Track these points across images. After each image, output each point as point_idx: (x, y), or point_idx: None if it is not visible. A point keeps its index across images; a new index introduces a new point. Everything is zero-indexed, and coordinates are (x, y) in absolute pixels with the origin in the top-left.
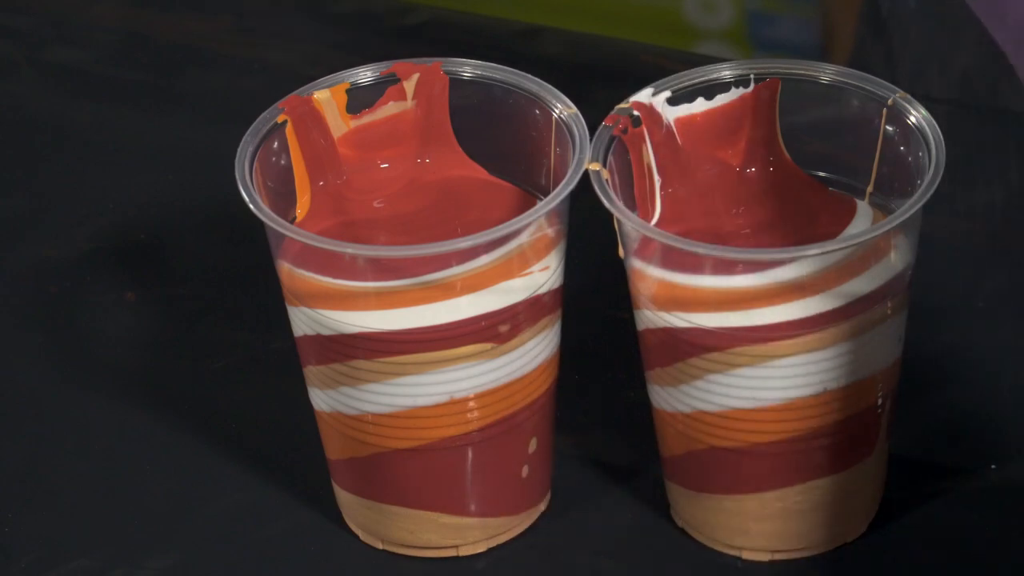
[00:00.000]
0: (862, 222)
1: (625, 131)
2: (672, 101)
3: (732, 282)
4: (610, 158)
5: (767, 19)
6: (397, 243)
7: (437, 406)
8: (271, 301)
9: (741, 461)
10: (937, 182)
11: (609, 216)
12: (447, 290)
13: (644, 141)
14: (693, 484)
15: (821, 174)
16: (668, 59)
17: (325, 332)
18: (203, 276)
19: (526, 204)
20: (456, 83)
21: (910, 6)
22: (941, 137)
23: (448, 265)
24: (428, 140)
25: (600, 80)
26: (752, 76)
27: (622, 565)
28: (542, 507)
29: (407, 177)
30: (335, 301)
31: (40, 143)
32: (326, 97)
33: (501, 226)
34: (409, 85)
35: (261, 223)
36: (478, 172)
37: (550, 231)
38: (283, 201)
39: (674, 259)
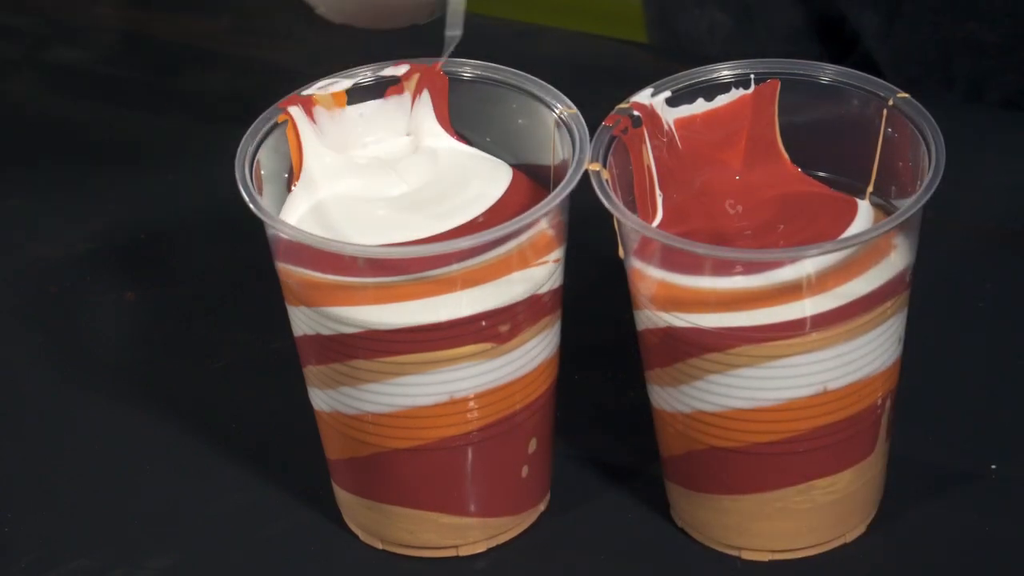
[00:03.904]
0: (862, 222)
1: (625, 131)
2: (672, 101)
3: (732, 283)
4: (610, 158)
5: None
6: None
7: (437, 406)
8: (271, 301)
9: (741, 461)
10: (937, 182)
11: (609, 216)
12: (447, 289)
13: (644, 141)
14: (693, 484)
15: (821, 174)
16: (668, 59)
17: (325, 332)
18: (203, 276)
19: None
20: (456, 83)
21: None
22: (941, 137)
23: (448, 263)
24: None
25: (600, 80)
26: (752, 76)
27: (622, 565)
28: (542, 507)
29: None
30: (334, 297)
31: (40, 143)
32: (326, 97)
33: (501, 226)
34: (409, 85)
35: (261, 223)
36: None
37: (550, 231)
38: (283, 200)
39: (674, 259)
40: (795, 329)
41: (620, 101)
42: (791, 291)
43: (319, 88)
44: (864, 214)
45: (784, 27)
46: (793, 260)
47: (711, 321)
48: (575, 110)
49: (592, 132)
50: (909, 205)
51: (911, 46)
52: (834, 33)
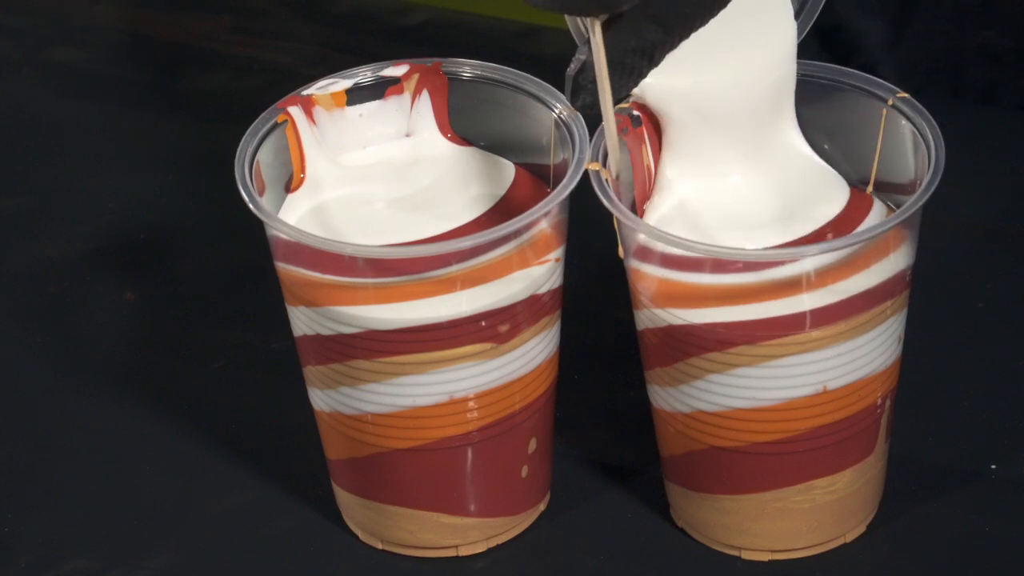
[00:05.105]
0: (876, 217)
1: (625, 131)
2: None
3: (732, 280)
4: None
5: None
6: None
7: (437, 406)
8: (271, 301)
9: (741, 461)
10: (937, 182)
11: (609, 216)
12: (446, 288)
13: (644, 141)
14: (693, 484)
15: None
16: None
17: (325, 332)
18: (203, 276)
19: None
20: (456, 83)
21: None
22: (941, 137)
23: (448, 264)
24: None
25: None
26: None
27: (622, 565)
28: (541, 507)
29: None
30: (334, 297)
31: (40, 143)
32: (326, 97)
33: (501, 226)
34: (409, 85)
35: (261, 223)
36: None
37: (550, 230)
38: (283, 200)
39: (674, 258)
40: (795, 326)
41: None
42: (791, 289)
43: (319, 88)
44: (878, 210)
45: None
46: (793, 260)
47: (711, 320)
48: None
49: (592, 132)
50: (909, 204)
51: (920, 55)
52: (832, 42)
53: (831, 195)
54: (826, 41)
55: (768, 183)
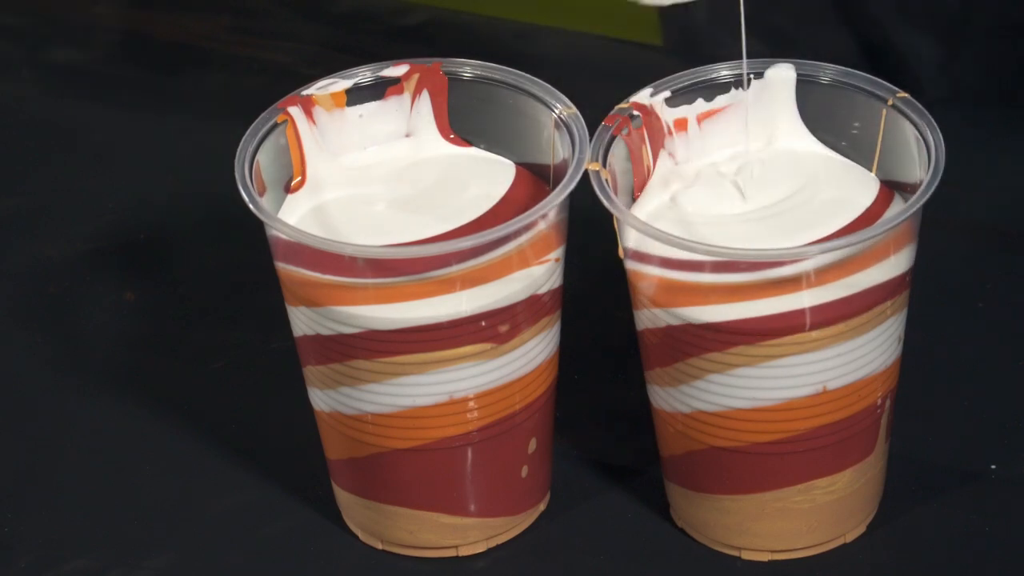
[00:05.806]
0: (895, 211)
1: (625, 131)
2: (671, 101)
3: (732, 280)
4: (610, 158)
5: None
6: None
7: (437, 406)
8: (271, 301)
9: (741, 461)
10: (937, 182)
11: (609, 216)
12: (446, 288)
13: (644, 141)
14: (693, 484)
15: None
16: (668, 59)
17: (325, 332)
18: (203, 276)
19: None
20: (456, 83)
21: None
22: (941, 137)
23: (447, 264)
24: None
25: (600, 80)
26: (752, 76)
27: (622, 565)
28: (541, 507)
29: None
30: (334, 297)
31: (40, 143)
32: (326, 97)
33: (501, 226)
34: (409, 85)
35: (261, 223)
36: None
37: (550, 230)
38: (283, 200)
39: (674, 258)
40: (795, 326)
41: (620, 101)
42: (791, 289)
43: (319, 88)
44: (895, 208)
45: (825, 58)
46: (794, 260)
47: (711, 320)
48: (574, 110)
49: (592, 132)
50: (909, 205)
51: (970, 71)
52: (881, 59)
53: (857, 192)
54: (875, 57)
55: (774, 180)
